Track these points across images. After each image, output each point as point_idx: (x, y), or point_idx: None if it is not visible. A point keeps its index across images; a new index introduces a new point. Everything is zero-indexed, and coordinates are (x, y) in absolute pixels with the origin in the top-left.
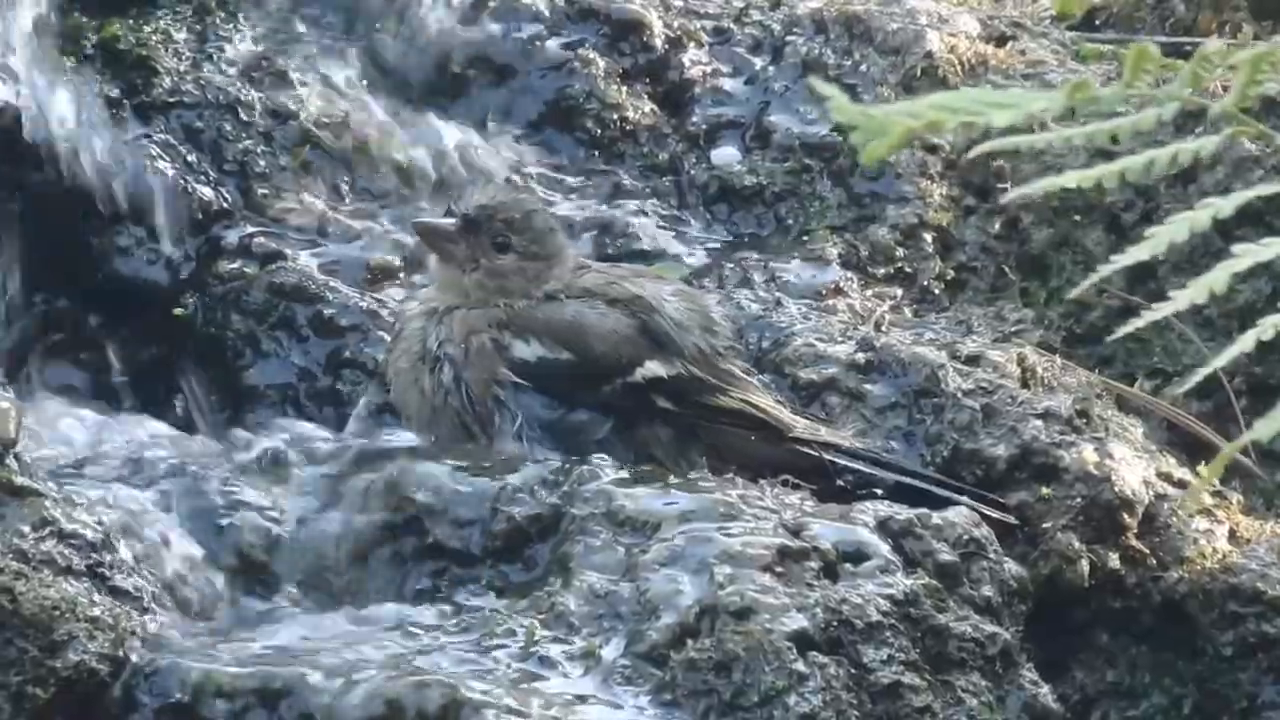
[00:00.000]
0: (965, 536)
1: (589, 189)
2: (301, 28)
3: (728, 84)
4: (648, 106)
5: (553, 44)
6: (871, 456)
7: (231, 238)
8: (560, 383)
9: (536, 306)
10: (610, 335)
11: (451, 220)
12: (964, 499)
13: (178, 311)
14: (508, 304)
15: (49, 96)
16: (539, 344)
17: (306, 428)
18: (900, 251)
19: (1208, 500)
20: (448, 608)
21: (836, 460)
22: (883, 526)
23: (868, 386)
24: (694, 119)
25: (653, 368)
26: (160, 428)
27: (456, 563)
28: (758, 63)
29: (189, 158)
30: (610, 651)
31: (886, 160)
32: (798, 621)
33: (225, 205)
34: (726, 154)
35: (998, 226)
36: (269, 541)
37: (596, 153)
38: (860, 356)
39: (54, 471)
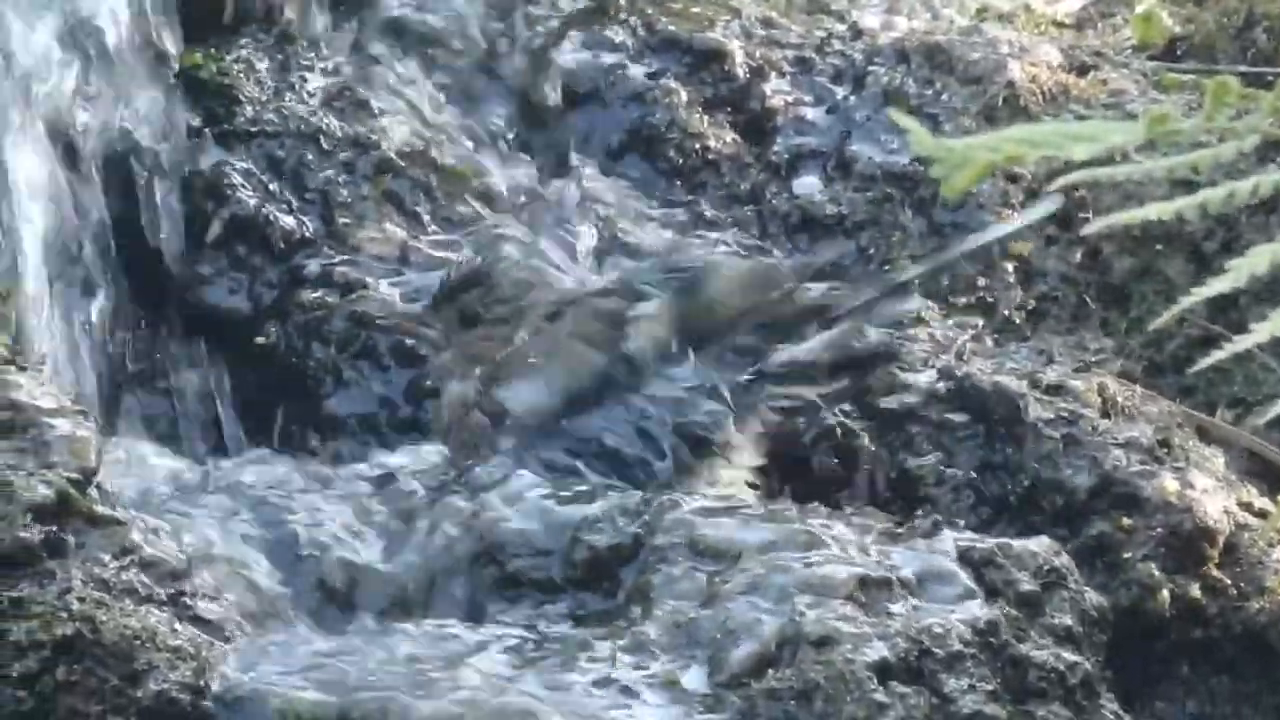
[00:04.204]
0: (1046, 566)
1: (670, 218)
2: (383, 57)
3: (809, 113)
4: (729, 136)
5: (634, 73)
6: None
7: (313, 267)
8: None
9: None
10: None
11: (418, 305)
12: None
13: (260, 340)
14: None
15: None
16: None
17: (388, 456)
18: (981, 281)
19: None
20: (527, 637)
21: None
22: (964, 556)
23: (949, 416)
24: (775, 148)
25: None
26: (242, 457)
27: (536, 591)
28: (839, 92)
29: (270, 186)
30: (691, 679)
31: (969, 190)
32: (879, 651)
33: (307, 234)
34: (808, 183)
35: (1079, 256)
36: (349, 570)
37: (678, 182)
38: (941, 386)
39: (134, 500)
